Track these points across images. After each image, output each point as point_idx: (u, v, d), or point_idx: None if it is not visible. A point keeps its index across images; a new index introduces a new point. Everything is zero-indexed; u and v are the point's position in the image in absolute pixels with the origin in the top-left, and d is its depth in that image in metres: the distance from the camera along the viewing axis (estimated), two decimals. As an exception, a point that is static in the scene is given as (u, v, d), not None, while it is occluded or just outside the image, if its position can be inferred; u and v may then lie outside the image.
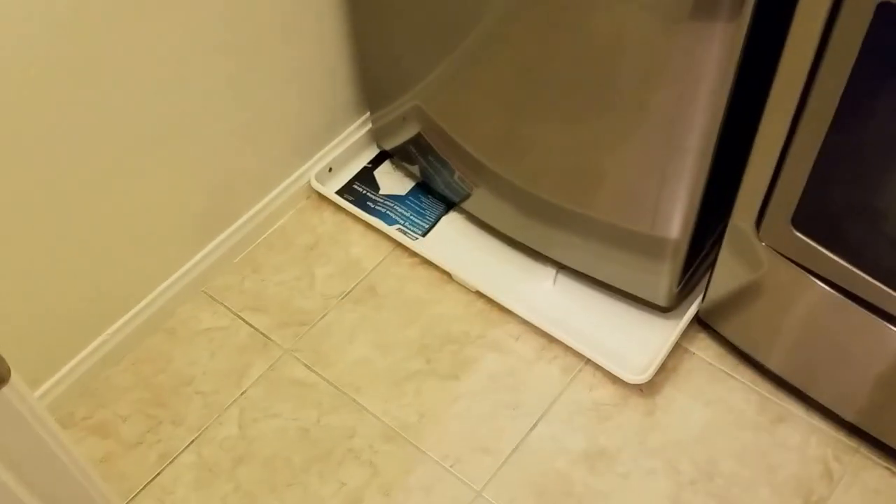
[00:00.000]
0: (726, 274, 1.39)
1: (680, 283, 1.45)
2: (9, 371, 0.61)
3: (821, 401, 1.39)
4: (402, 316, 1.54)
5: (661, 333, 1.48)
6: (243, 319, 1.55)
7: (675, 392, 1.44)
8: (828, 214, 1.20)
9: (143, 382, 1.49)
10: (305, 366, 1.49)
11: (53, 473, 0.72)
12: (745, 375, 1.46)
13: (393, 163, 1.74)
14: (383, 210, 1.66)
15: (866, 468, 1.36)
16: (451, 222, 1.65)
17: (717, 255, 1.38)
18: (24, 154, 1.20)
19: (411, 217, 1.65)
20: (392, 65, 1.54)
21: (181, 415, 1.45)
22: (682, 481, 1.36)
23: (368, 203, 1.67)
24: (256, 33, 1.43)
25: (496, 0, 1.28)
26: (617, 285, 1.51)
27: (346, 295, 1.57)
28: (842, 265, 1.20)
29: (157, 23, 1.26)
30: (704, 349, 1.49)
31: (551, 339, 1.49)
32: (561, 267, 1.57)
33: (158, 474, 1.39)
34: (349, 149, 1.72)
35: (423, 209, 1.67)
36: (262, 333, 1.53)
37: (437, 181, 1.64)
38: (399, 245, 1.63)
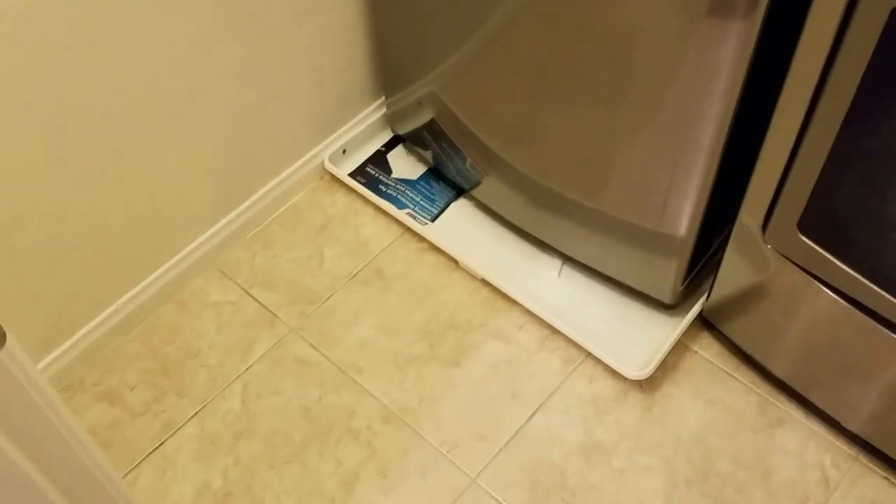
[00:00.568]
0: (732, 274, 1.39)
1: (685, 280, 1.45)
2: (4, 335, 0.62)
3: (822, 407, 1.39)
4: (408, 300, 1.56)
5: (663, 330, 1.48)
6: (252, 296, 1.57)
7: (674, 390, 1.45)
8: (835, 220, 1.19)
9: (152, 353, 1.51)
10: (310, 345, 1.51)
11: (49, 440, 0.73)
12: (747, 376, 1.45)
13: (406, 147, 1.74)
14: (394, 194, 1.67)
15: (864, 477, 1.36)
16: (461, 209, 1.66)
17: (723, 254, 1.38)
18: (46, 123, 1.22)
19: (421, 202, 1.66)
20: (410, 49, 1.54)
21: (186, 386, 1.47)
22: (677, 479, 1.36)
23: (380, 186, 1.68)
24: (275, 13, 1.44)
25: None
26: (622, 280, 1.51)
27: (353, 276, 1.59)
28: (846, 272, 1.19)
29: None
30: (706, 348, 1.49)
31: (554, 331, 1.50)
32: (567, 259, 1.57)
33: (161, 444, 1.42)
34: (364, 131, 1.73)
35: (434, 195, 1.67)
36: (269, 310, 1.55)
37: (448, 167, 1.65)
38: (408, 229, 1.64)
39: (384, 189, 1.68)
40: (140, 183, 1.41)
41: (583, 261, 1.54)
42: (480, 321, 1.53)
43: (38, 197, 1.27)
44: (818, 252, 1.21)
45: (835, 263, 1.20)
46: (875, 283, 1.18)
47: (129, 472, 1.39)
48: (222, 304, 1.56)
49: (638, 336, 1.48)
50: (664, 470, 1.37)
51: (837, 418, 1.37)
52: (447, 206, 1.66)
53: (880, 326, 1.21)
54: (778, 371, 1.42)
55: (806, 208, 1.19)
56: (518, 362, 1.48)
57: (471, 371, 1.47)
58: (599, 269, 1.52)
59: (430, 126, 1.61)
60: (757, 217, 1.27)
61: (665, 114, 1.25)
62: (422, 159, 1.72)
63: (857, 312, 1.22)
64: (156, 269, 1.53)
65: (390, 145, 1.75)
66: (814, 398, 1.39)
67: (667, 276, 1.44)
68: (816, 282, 1.25)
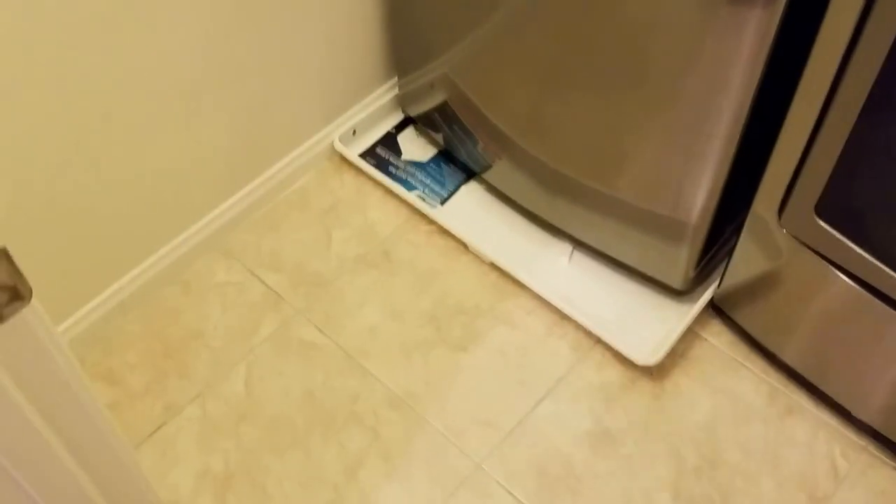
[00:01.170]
0: (745, 261, 1.37)
1: (697, 266, 1.42)
2: (30, 291, 0.60)
3: (833, 396, 1.36)
4: (415, 284, 1.53)
5: (674, 317, 1.46)
6: (258, 277, 1.55)
7: (684, 377, 1.42)
8: (852, 204, 1.17)
9: (154, 333, 1.50)
10: (316, 327, 1.49)
11: (68, 405, 0.72)
12: (757, 365, 1.43)
13: (416, 129, 1.72)
14: (404, 176, 1.65)
15: (873, 467, 1.34)
16: (471, 192, 1.64)
17: (736, 241, 1.36)
18: (55, 100, 1.20)
19: (431, 184, 1.64)
20: (424, 30, 1.52)
21: (189, 368, 1.46)
22: (685, 468, 1.34)
23: (390, 168, 1.66)
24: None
25: None
26: (633, 265, 1.49)
27: (361, 259, 1.57)
28: (864, 257, 1.17)
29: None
30: (717, 335, 1.47)
31: (563, 316, 1.48)
32: (577, 243, 1.55)
33: (162, 426, 1.40)
34: (375, 112, 1.71)
35: (444, 177, 1.65)
36: (275, 292, 1.53)
37: (459, 150, 1.63)
38: (416, 213, 1.62)
39: (394, 171, 1.66)
40: (146, 161, 1.39)
41: (594, 245, 1.51)
42: (488, 306, 1.50)
43: (41, 173, 1.26)
44: (836, 237, 1.19)
45: (852, 248, 1.18)
46: (892, 268, 1.15)
47: (131, 452, 1.37)
48: (227, 285, 1.55)
49: (648, 322, 1.46)
50: (672, 458, 1.35)
51: (848, 408, 1.35)
52: (457, 189, 1.64)
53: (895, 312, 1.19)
54: (789, 359, 1.39)
55: (823, 193, 1.17)
56: (526, 348, 1.46)
57: (478, 356, 1.45)
58: (611, 254, 1.50)
59: (442, 108, 1.59)
60: (773, 203, 1.25)
61: (682, 103, 1.23)
62: (432, 141, 1.70)
63: (873, 299, 1.20)
64: (159, 248, 1.51)
65: (400, 127, 1.73)
66: (825, 387, 1.37)
67: (678, 262, 1.42)
68: (832, 267, 1.23)
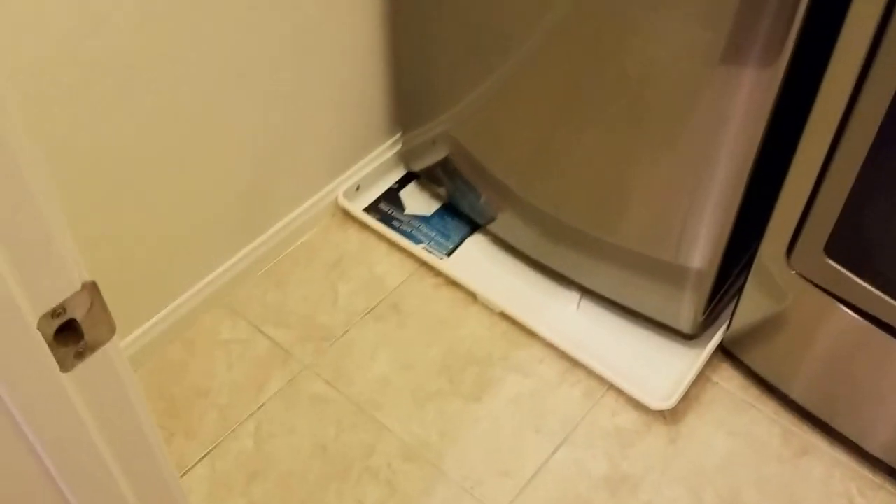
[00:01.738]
0: (752, 304, 1.39)
1: (705, 311, 1.44)
2: (113, 327, 0.60)
3: (846, 433, 1.38)
4: (425, 335, 1.53)
5: (684, 361, 1.47)
6: (264, 333, 1.54)
7: (697, 421, 1.43)
8: (862, 242, 1.20)
9: (159, 392, 1.47)
10: (325, 381, 1.47)
11: (137, 442, 0.71)
12: (769, 406, 1.44)
13: (419, 183, 1.74)
14: (408, 230, 1.66)
15: (891, 505, 1.34)
16: (476, 244, 1.65)
17: (743, 281, 1.38)
18: (68, 164, 1.20)
19: (436, 238, 1.65)
20: (426, 88, 1.55)
21: (195, 427, 1.43)
22: (705, 511, 1.34)
23: (394, 222, 1.67)
24: (293, 51, 1.44)
25: (532, 30, 1.30)
26: (641, 311, 1.50)
27: (369, 312, 1.56)
28: (874, 294, 1.20)
29: (197, 32, 1.27)
30: (728, 379, 1.48)
31: (575, 363, 1.48)
32: (585, 291, 1.56)
33: (173, 485, 1.37)
34: (378, 168, 1.73)
35: (448, 230, 1.66)
36: (282, 347, 1.52)
37: (463, 203, 1.64)
38: (423, 265, 1.62)
39: (398, 225, 1.67)
40: (153, 221, 1.39)
41: (601, 293, 1.53)
42: (500, 355, 1.50)
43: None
44: (845, 275, 1.21)
45: (862, 286, 1.20)
46: (903, 303, 1.18)
47: (142, 513, 1.33)
48: (233, 342, 1.53)
49: (659, 367, 1.47)
50: (691, 502, 1.34)
51: (861, 444, 1.36)
52: (462, 241, 1.65)
53: (906, 347, 1.21)
54: (800, 398, 1.41)
55: (832, 232, 1.20)
56: (540, 396, 1.46)
57: (492, 406, 1.45)
58: (619, 300, 1.51)
59: (445, 164, 1.61)
60: (781, 244, 1.27)
61: (684, 156, 1.26)
62: (435, 195, 1.72)
63: (883, 333, 1.23)
64: (164, 306, 1.50)
65: (403, 182, 1.75)
66: (837, 425, 1.38)
67: (687, 307, 1.43)
68: (842, 305, 1.25)
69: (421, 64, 1.53)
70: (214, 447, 1.41)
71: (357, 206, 1.69)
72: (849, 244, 1.20)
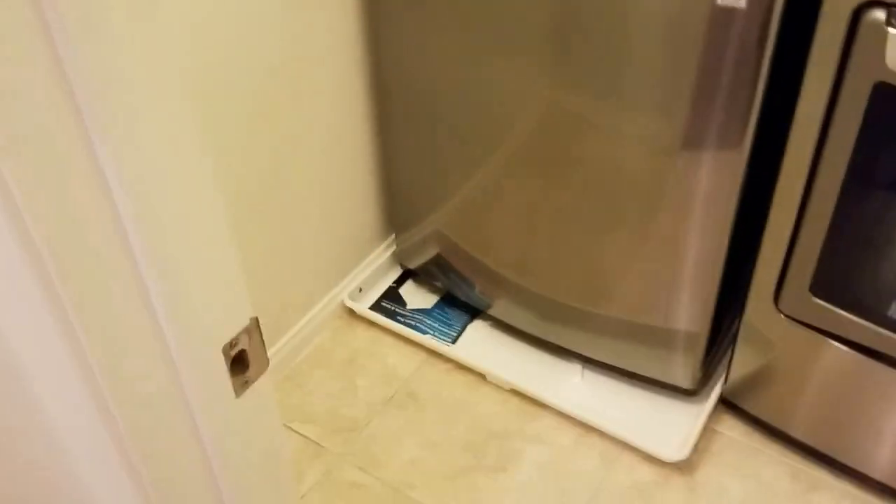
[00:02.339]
0: (746, 355, 1.49)
1: (702, 366, 1.56)
2: (267, 362, 0.68)
3: (850, 464, 1.47)
4: (445, 417, 1.61)
5: (689, 414, 1.57)
6: (293, 429, 1.60)
7: (712, 470, 1.52)
8: (845, 278, 1.32)
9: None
10: (359, 468, 1.53)
11: (272, 466, 0.78)
12: (774, 448, 1.55)
13: (417, 280, 1.85)
14: (413, 323, 1.76)
15: (901, 530, 1.44)
16: (478, 328, 1.76)
17: (736, 330, 1.50)
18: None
19: (439, 327, 1.75)
20: (415, 194, 1.68)
21: (236, 527, 1.46)
22: (732, 550, 1.42)
23: (398, 318, 1.77)
24: (289, 170, 1.56)
25: (510, 134, 1.44)
26: (642, 373, 1.61)
27: (388, 400, 1.64)
28: (861, 324, 1.31)
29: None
30: (732, 428, 1.58)
31: (588, 428, 1.57)
32: (587, 361, 1.67)
33: (221, 584, 1.39)
34: (376, 270, 1.84)
35: (450, 320, 1.77)
36: (313, 441, 1.58)
37: (459, 294, 1.76)
38: (431, 353, 1.72)
39: (402, 320, 1.76)
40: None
41: (603, 360, 1.63)
42: (517, 428, 1.59)
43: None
44: (832, 310, 1.33)
45: (849, 318, 1.32)
46: (890, 330, 1.29)
47: None
48: (260, 445, 1.58)
49: (667, 422, 1.57)
50: (719, 543, 1.43)
51: (865, 471, 1.46)
52: (465, 327, 1.75)
53: (896, 372, 1.33)
54: (803, 436, 1.51)
55: (815, 272, 1.32)
56: (560, 461, 1.54)
57: (518, 474, 1.52)
58: (619, 365, 1.62)
59: (438, 259, 1.73)
60: (767, 293, 1.39)
61: (660, 236, 1.39)
62: (434, 289, 1.83)
63: (873, 362, 1.34)
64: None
65: (401, 280, 1.85)
66: (841, 457, 1.48)
67: (684, 366, 1.55)
68: (832, 340, 1.36)
69: (409, 172, 1.67)
70: (253, 547, 1.44)
71: (363, 306, 1.78)
72: (832, 280, 1.32)
